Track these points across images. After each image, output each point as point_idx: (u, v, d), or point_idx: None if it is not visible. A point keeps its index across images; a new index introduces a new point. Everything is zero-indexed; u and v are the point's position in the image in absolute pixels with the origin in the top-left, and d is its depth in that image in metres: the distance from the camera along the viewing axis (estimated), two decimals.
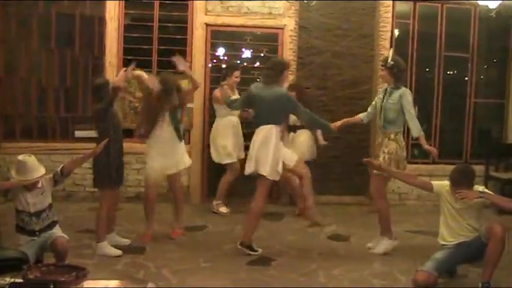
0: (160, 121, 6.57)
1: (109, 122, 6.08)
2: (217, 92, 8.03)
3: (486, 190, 5.40)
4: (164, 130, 6.59)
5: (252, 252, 6.27)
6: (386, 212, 6.53)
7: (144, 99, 6.89)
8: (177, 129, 6.67)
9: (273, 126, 6.20)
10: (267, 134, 6.18)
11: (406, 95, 6.31)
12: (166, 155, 6.61)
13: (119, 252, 6.06)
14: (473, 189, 5.27)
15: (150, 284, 3.72)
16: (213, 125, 8.12)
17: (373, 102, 6.70)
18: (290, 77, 7.50)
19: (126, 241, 6.46)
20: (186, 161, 6.89)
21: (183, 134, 6.97)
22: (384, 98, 6.42)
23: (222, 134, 7.97)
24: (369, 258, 6.25)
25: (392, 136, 6.33)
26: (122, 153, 6.32)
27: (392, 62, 6.36)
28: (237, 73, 7.99)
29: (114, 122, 6.15)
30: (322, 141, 7.92)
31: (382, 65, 6.58)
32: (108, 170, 6.07)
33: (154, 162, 6.60)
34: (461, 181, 5.28)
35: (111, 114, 6.10)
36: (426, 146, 6.42)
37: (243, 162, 7.84)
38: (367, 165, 6.36)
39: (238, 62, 8.99)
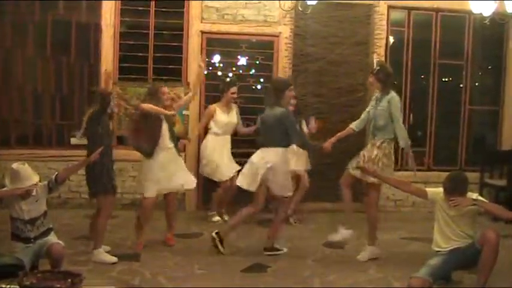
0: (161, 136, 6.57)
1: (101, 129, 6.07)
2: (210, 109, 8.01)
3: (480, 197, 5.42)
4: (166, 145, 6.59)
5: (278, 252, 6.53)
6: (376, 221, 6.57)
7: (143, 117, 6.60)
8: (175, 142, 6.74)
9: (279, 149, 6.37)
10: (274, 158, 6.34)
11: (393, 100, 6.32)
12: (170, 173, 6.62)
13: (114, 259, 6.05)
14: (466, 197, 5.28)
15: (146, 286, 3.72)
16: (205, 139, 8.04)
17: (366, 110, 6.70)
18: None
19: (106, 248, 6.31)
20: (190, 181, 6.90)
21: (178, 142, 6.97)
22: (375, 104, 6.46)
23: (215, 151, 7.92)
24: (364, 264, 6.26)
25: (378, 143, 6.34)
26: (113, 161, 6.33)
27: (377, 68, 6.43)
28: (233, 89, 7.93)
29: (106, 130, 6.15)
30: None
31: (370, 72, 6.58)
32: (105, 177, 6.07)
33: (159, 180, 6.57)
34: (455, 188, 5.29)
35: (103, 121, 6.10)
36: (410, 156, 6.49)
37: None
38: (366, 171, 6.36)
39: (240, 72, 9.02)
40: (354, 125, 6.81)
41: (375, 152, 6.31)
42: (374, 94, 6.61)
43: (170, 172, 6.62)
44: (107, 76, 6.14)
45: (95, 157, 5.71)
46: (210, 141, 7.94)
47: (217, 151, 7.92)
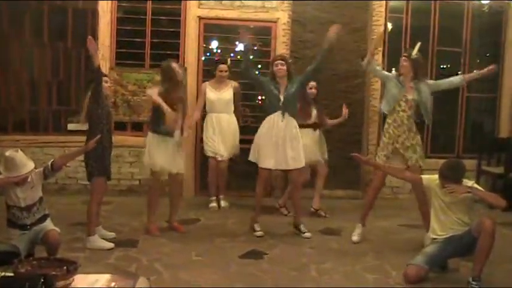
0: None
1: (101, 110, 6.05)
2: (202, 86, 8.11)
3: (475, 185, 5.43)
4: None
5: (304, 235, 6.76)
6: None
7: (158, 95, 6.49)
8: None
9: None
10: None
11: (431, 81, 6.71)
12: (173, 153, 6.62)
13: (111, 245, 6.06)
14: (462, 184, 5.29)
15: (140, 279, 3.71)
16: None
17: (390, 93, 6.56)
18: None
19: (111, 234, 6.44)
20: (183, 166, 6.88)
21: None
22: (405, 88, 6.46)
23: (208, 129, 7.96)
24: (360, 252, 6.27)
25: (414, 129, 6.52)
26: (111, 144, 6.33)
27: (416, 55, 6.48)
28: (221, 67, 7.94)
29: (106, 111, 6.13)
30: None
31: (405, 56, 6.55)
32: (103, 162, 6.08)
33: (159, 159, 6.55)
34: (451, 175, 5.30)
35: (102, 103, 6.07)
36: None
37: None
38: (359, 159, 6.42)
39: (231, 55, 8.99)
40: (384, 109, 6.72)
41: (418, 137, 6.57)
42: (375, 80, 6.62)
43: (176, 153, 6.65)
44: (92, 46, 5.94)
45: (92, 145, 5.69)
46: (206, 119, 8.01)
47: (210, 129, 7.94)
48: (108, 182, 6.40)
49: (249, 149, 7.01)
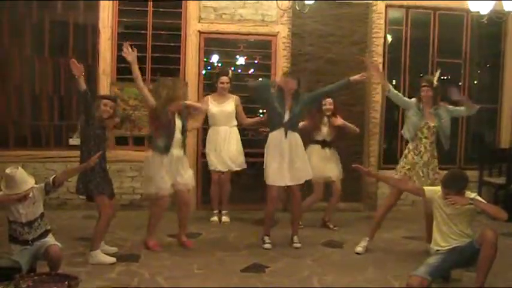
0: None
1: (90, 133, 6.09)
2: (204, 99, 8.04)
3: (477, 197, 5.42)
4: (176, 140, 6.55)
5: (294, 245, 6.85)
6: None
7: (154, 110, 6.54)
8: (185, 138, 6.72)
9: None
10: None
11: (450, 106, 6.72)
12: (180, 168, 6.63)
13: (112, 259, 6.04)
14: (464, 196, 5.30)
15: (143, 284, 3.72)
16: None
17: (411, 120, 6.70)
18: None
19: (113, 249, 6.44)
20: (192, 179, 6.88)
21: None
22: (424, 116, 6.60)
23: (210, 142, 7.92)
24: (362, 264, 6.25)
25: (435, 154, 6.69)
26: (106, 163, 6.34)
27: (437, 83, 6.61)
28: (223, 79, 7.89)
29: (97, 133, 6.13)
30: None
31: (426, 86, 6.65)
32: (102, 181, 6.10)
33: (171, 176, 6.55)
34: (452, 186, 5.31)
35: (94, 125, 6.10)
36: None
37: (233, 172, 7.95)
38: (359, 171, 6.50)
39: (232, 68, 9.01)
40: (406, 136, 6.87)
41: (436, 163, 6.70)
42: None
43: (180, 168, 6.62)
44: (76, 69, 5.97)
45: (94, 161, 5.72)
46: (209, 132, 7.96)
47: (212, 142, 7.88)
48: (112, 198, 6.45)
49: (250, 162, 7.02)
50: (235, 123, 8.00)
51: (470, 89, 9.38)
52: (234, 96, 8.03)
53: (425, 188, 5.76)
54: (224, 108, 7.91)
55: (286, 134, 6.68)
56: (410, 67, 9.08)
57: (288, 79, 6.77)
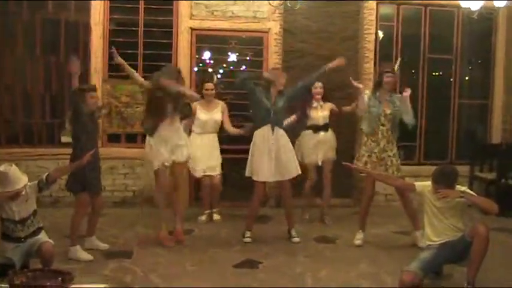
0: (168, 114, 6.63)
1: (79, 130, 6.14)
2: (192, 107, 7.89)
3: (468, 190, 5.44)
4: (174, 121, 6.68)
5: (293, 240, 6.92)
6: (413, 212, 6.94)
7: (148, 95, 6.81)
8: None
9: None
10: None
11: (398, 97, 6.80)
12: (172, 146, 6.71)
13: (90, 257, 6.06)
14: (454, 189, 5.32)
15: (137, 283, 3.73)
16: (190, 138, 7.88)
17: (370, 110, 6.78)
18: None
19: (104, 246, 6.47)
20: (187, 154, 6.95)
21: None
22: (381, 104, 6.72)
23: (198, 149, 7.80)
24: (355, 259, 6.28)
25: (394, 140, 6.79)
26: (98, 159, 6.36)
27: (397, 72, 6.84)
28: (207, 85, 7.89)
29: (87, 128, 6.17)
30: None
31: (389, 72, 6.81)
32: (80, 176, 6.07)
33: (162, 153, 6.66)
34: (443, 181, 5.33)
35: (83, 121, 6.13)
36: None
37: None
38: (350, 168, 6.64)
39: (230, 69, 9.06)
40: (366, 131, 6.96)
41: (395, 148, 6.83)
42: (372, 92, 6.77)
43: (172, 145, 6.69)
44: (74, 68, 6.05)
45: (87, 158, 5.74)
46: (192, 139, 7.76)
47: (200, 149, 7.82)
48: (101, 194, 6.52)
49: (241, 159, 7.05)
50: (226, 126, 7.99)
51: (461, 85, 9.42)
52: (221, 103, 8.02)
53: (416, 183, 5.78)
54: (213, 116, 7.89)
55: (273, 130, 6.74)
56: (402, 63, 9.09)
57: (280, 72, 6.94)
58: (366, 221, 6.94)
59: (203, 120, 7.85)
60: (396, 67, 6.82)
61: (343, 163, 6.41)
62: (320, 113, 7.79)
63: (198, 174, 7.91)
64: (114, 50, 6.65)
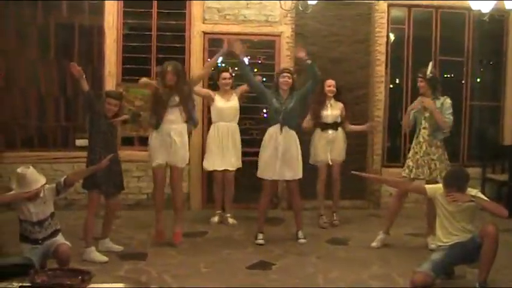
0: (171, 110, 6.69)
1: (95, 132, 6.24)
2: (210, 92, 8.03)
3: (479, 194, 5.45)
4: (171, 120, 6.72)
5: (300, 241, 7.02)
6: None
7: (154, 93, 6.85)
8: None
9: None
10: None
11: (447, 100, 6.89)
12: (173, 147, 6.74)
13: (104, 258, 6.13)
14: (465, 193, 5.35)
15: (154, 283, 3.81)
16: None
17: (412, 115, 7.00)
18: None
19: (119, 247, 6.54)
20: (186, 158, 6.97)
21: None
22: (423, 108, 6.83)
23: (214, 140, 7.90)
24: (367, 260, 6.32)
25: (438, 143, 6.81)
26: (117, 163, 6.42)
27: (431, 74, 6.82)
28: (224, 74, 7.92)
29: (103, 131, 6.25)
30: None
31: (420, 77, 6.93)
32: (96, 177, 6.13)
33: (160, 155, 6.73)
34: (453, 184, 5.36)
35: (99, 123, 6.24)
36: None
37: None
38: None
39: (235, 68, 9.06)
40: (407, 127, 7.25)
41: (440, 152, 6.86)
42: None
43: (172, 147, 6.72)
44: (75, 71, 6.13)
45: (105, 163, 5.87)
46: (211, 130, 7.96)
47: (216, 140, 7.88)
48: (118, 196, 6.65)
49: (254, 161, 7.12)
50: (237, 120, 8.02)
51: (472, 87, 9.43)
52: (238, 89, 8.06)
53: (427, 186, 5.82)
54: (231, 104, 7.90)
55: (281, 129, 6.82)
56: (413, 65, 9.12)
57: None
58: (392, 223, 7.01)
59: (220, 107, 7.87)
60: (429, 70, 6.83)
61: (352, 172, 6.48)
62: (330, 111, 7.80)
63: (210, 167, 7.95)
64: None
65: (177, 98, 6.67)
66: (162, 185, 6.87)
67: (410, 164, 6.86)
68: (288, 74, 7.01)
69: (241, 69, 7.17)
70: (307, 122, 7.82)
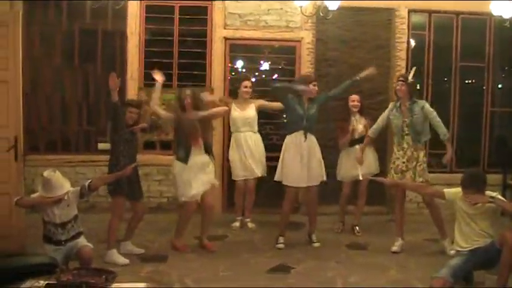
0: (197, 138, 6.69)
1: (118, 139, 6.37)
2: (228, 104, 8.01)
3: (498, 196, 5.42)
4: (198, 150, 6.71)
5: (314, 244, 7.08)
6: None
7: (175, 123, 6.89)
8: (208, 146, 6.86)
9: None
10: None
11: (426, 105, 6.87)
12: (203, 172, 6.75)
13: (126, 261, 6.22)
14: (484, 194, 5.35)
15: (176, 284, 3.87)
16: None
17: (383, 117, 7.16)
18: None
19: (140, 250, 6.64)
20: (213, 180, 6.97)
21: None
22: (402, 114, 6.88)
23: (233, 148, 7.95)
24: (386, 266, 6.34)
25: (421, 146, 6.86)
26: (136, 169, 6.50)
27: (413, 80, 6.88)
28: (245, 83, 7.91)
29: (122, 140, 6.37)
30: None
31: (401, 80, 6.95)
32: (121, 183, 6.25)
33: (194, 181, 6.67)
34: (471, 185, 5.37)
35: (120, 131, 6.36)
36: (449, 154, 6.83)
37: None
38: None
39: (263, 77, 9.22)
40: (370, 133, 7.33)
41: (422, 154, 6.85)
42: (394, 103, 6.91)
43: (202, 174, 6.73)
44: (113, 83, 6.22)
45: (129, 170, 6.03)
46: (231, 140, 8.03)
47: (235, 148, 7.92)
48: (143, 201, 6.80)
49: (274, 167, 7.17)
50: (256, 128, 8.01)
51: (493, 93, 9.40)
52: (258, 101, 8.04)
53: (445, 190, 5.80)
54: (246, 114, 7.90)
55: (305, 136, 6.87)
56: (434, 71, 9.13)
57: (312, 79, 7.19)
58: (402, 228, 7.03)
59: (234, 117, 7.90)
60: (411, 75, 6.88)
61: (371, 178, 6.70)
62: (356, 126, 7.80)
63: (235, 177, 8.01)
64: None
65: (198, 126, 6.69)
66: (192, 213, 6.81)
67: (395, 168, 6.92)
68: (315, 82, 7.11)
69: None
70: (345, 138, 7.79)
